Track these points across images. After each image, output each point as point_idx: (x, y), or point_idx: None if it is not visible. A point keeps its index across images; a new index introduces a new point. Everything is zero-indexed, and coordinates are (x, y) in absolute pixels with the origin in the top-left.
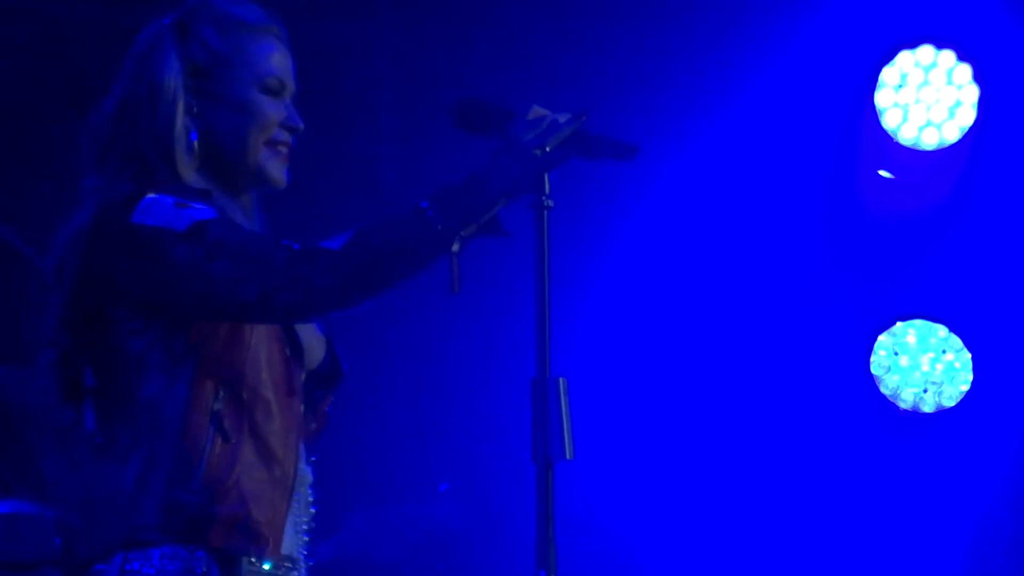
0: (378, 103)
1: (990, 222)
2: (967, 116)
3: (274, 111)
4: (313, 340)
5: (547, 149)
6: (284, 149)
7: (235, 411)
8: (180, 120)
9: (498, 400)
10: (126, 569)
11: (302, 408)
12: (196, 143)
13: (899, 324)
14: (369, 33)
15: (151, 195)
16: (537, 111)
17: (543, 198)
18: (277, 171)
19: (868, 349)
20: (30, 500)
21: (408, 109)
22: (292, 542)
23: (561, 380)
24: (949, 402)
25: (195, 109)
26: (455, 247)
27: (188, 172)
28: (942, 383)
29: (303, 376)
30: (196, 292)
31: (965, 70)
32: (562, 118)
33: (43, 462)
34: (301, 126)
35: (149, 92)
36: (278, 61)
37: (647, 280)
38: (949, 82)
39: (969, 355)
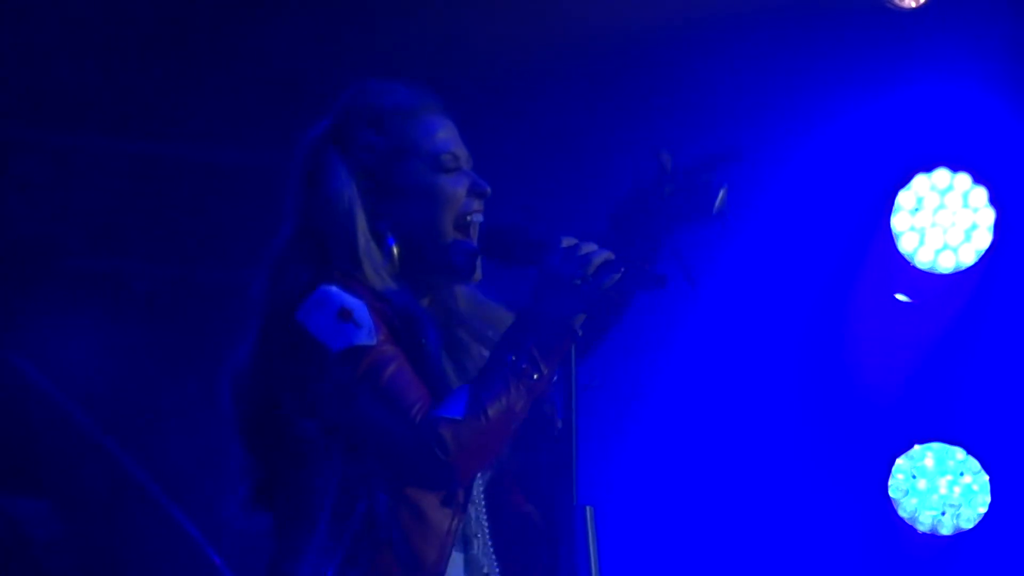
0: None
1: (1007, 344)
2: (983, 239)
3: (458, 186)
4: None
5: (587, 278)
6: (477, 218)
7: (382, 512)
8: (363, 229)
9: None
10: None
11: (460, 518)
12: (395, 247)
13: (917, 447)
14: None
15: (323, 286)
16: (569, 241)
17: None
18: (463, 257)
19: (886, 473)
20: None
21: None
22: None
23: (588, 508)
24: (967, 524)
25: (380, 211)
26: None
27: (379, 279)
28: (960, 506)
29: (470, 488)
30: (336, 415)
31: (981, 193)
32: (591, 247)
33: None
34: (488, 189)
35: (324, 208)
36: (444, 135)
37: (668, 410)
38: (965, 205)
39: (987, 477)
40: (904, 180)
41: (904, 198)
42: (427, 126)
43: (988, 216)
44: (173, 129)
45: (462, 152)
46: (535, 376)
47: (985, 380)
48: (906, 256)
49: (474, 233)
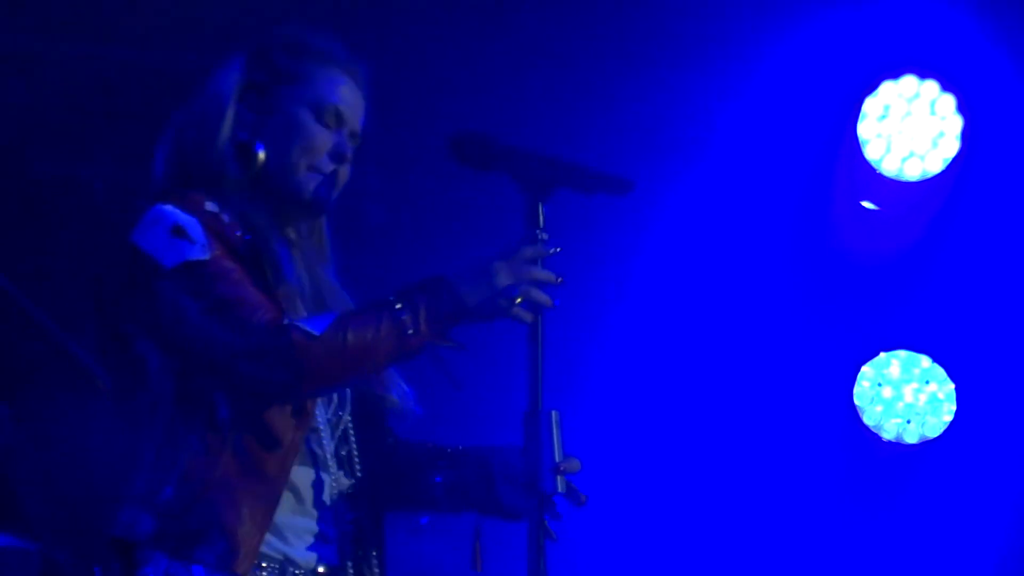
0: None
1: (973, 253)
2: (950, 147)
3: (322, 137)
4: None
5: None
6: (330, 177)
7: (223, 424)
8: (227, 131)
9: (490, 434)
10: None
11: (303, 431)
12: (261, 153)
13: (882, 355)
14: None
15: (158, 205)
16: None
17: (538, 231)
18: (312, 192)
19: (851, 380)
20: (13, 535)
21: (393, 143)
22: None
23: (554, 413)
24: (932, 433)
25: (248, 123)
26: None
27: (228, 183)
28: (925, 414)
29: (328, 404)
30: (171, 332)
31: (948, 101)
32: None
33: (25, 499)
34: (348, 155)
35: (204, 102)
36: (342, 94)
37: (634, 315)
38: (932, 113)
39: (952, 385)
40: (871, 87)
41: (870, 105)
42: (332, 77)
43: (955, 124)
44: (140, 34)
45: (350, 121)
46: (410, 331)
47: (951, 288)
48: (872, 164)
49: (325, 185)
